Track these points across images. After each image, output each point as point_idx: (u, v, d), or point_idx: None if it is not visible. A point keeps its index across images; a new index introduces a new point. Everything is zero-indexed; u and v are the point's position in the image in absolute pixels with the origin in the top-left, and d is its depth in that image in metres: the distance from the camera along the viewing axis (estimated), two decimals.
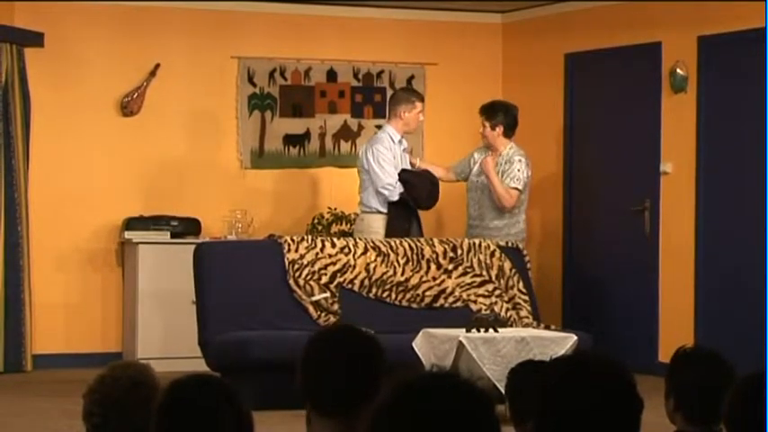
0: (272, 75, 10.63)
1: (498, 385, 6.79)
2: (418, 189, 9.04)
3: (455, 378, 2.34)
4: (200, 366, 8.02)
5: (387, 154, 8.97)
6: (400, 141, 9.12)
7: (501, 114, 9.26)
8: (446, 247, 8.88)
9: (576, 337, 7.72)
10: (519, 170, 9.15)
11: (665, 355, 9.51)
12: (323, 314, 8.47)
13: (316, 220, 10.39)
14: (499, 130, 9.23)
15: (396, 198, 8.95)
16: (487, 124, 9.25)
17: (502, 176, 9.17)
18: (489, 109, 9.35)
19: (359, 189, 9.17)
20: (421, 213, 9.35)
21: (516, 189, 9.14)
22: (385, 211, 8.99)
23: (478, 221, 9.29)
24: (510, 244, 9.15)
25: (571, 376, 2.63)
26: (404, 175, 9.02)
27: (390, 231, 8.94)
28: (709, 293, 9.38)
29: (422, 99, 9.33)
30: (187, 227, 10.12)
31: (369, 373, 3.23)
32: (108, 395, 3.35)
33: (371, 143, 9.11)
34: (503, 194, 9.12)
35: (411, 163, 9.27)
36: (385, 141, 9.03)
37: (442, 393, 2.31)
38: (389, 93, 10.91)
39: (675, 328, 9.55)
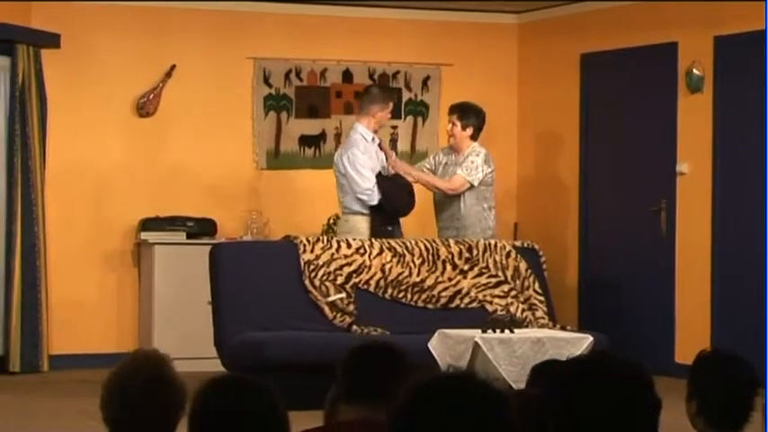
0: (287, 76, 10.64)
1: (514, 386, 6.78)
2: (395, 199, 8.95)
3: (472, 379, 2.34)
4: (216, 367, 8.02)
5: (363, 158, 8.84)
6: (373, 139, 9.04)
7: (473, 116, 9.16)
8: (462, 247, 8.87)
9: (591, 338, 7.71)
10: (472, 162, 9.04)
11: (681, 355, 9.49)
12: (338, 315, 8.46)
13: (331, 221, 10.38)
14: (469, 131, 9.15)
15: (375, 202, 8.84)
16: (459, 123, 9.14)
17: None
18: (463, 109, 9.23)
19: (337, 191, 9.07)
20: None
21: (461, 176, 9.04)
22: (367, 212, 8.93)
23: (448, 223, 9.22)
24: (525, 244, 9.16)
25: (589, 376, 2.63)
26: (381, 184, 8.89)
27: (373, 233, 8.87)
28: (726, 294, 9.36)
29: (394, 99, 9.32)
30: (203, 227, 10.14)
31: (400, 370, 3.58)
32: (126, 386, 3.35)
33: (346, 147, 8.96)
34: (429, 183, 9.09)
35: (386, 153, 9.10)
36: (360, 144, 8.89)
37: (459, 394, 2.31)
38: (405, 93, 10.93)
39: (692, 328, 9.53)
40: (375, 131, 9.02)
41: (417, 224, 9.64)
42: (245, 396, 2.83)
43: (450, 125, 9.20)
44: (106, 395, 3.36)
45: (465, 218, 9.12)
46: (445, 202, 9.21)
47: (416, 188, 9.17)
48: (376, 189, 8.82)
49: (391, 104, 9.11)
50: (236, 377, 2.94)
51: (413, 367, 3.49)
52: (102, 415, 3.37)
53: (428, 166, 9.37)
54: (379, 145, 9.07)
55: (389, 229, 8.98)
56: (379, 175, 8.92)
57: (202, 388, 2.87)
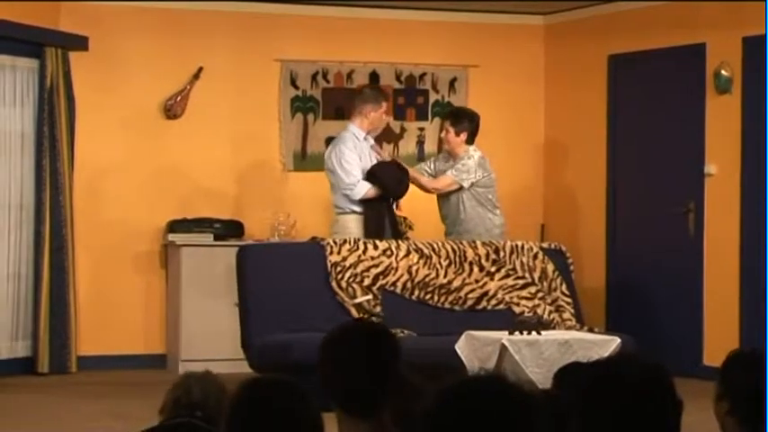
0: (314, 77, 10.65)
1: (541, 388, 6.77)
2: (386, 179, 8.92)
3: (504, 381, 2.34)
4: (243, 368, 8.04)
5: (349, 154, 8.84)
6: (365, 138, 9.02)
7: (466, 122, 9.19)
8: (488, 249, 8.87)
9: (619, 340, 7.69)
10: (463, 164, 9.08)
11: (709, 357, 9.45)
12: (365, 316, 8.46)
13: None
14: (463, 136, 9.16)
15: (358, 197, 8.80)
16: (452, 130, 9.16)
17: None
18: (456, 115, 9.33)
19: (330, 190, 9.06)
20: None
21: (449, 176, 9.07)
22: (359, 209, 8.88)
23: (452, 228, 9.24)
24: (552, 246, 9.15)
25: (609, 378, 2.63)
26: (371, 169, 8.88)
27: (365, 232, 8.86)
28: (754, 295, 9.32)
29: (387, 99, 9.35)
30: (230, 229, 10.16)
31: (385, 369, 3.22)
32: (194, 387, 3.73)
33: (335, 144, 8.99)
34: (418, 180, 9.10)
35: (380, 155, 9.10)
36: (348, 141, 8.90)
37: (491, 396, 2.31)
38: (432, 95, 10.93)
39: (720, 330, 9.49)
40: (371, 132, 9.04)
41: (434, 229, 9.62)
42: (278, 396, 2.84)
43: (444, 132, 9.25)
44: (176, 390, 3.78)
45: (466, 221, 9.15)
46: (447, 206, 9.23)
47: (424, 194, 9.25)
48: (360, 184, 8.80)
49: (385, 105, 9.13)
50: (273, 378, 2.95)
51: (439, 368, 3.17)
52: (164, 398, 3.76)
53: (428, 170, 9.39)
54: (372, 147, 9.07)
55: (382, 226, 8.94)
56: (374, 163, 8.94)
57: (239, 388, 2.89)
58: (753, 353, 3.78)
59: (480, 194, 9.14)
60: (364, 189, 8.80)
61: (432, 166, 9.40)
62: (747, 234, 9.42)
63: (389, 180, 8.89)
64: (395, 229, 9.05)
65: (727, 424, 3.61)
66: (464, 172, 9.08)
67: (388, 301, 8.58)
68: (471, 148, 9.18)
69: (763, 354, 3.17)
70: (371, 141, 9.09)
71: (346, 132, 8.98)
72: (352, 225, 8.86)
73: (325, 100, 10.69)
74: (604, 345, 7.63)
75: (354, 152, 8.85)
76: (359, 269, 8.61)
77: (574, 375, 3.94)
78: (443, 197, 9.24)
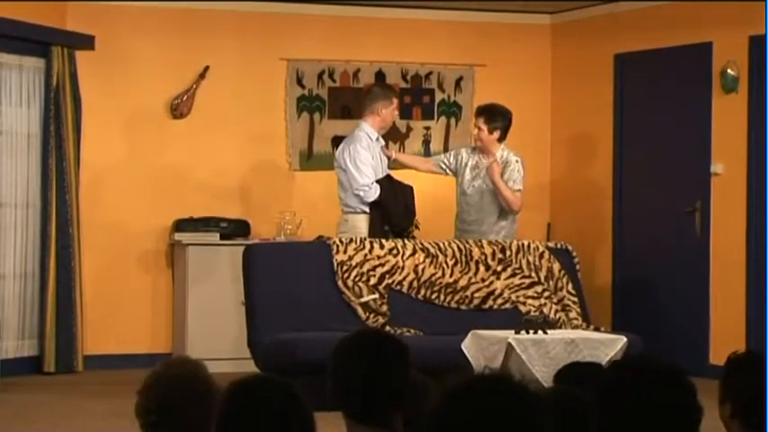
0: (320, 76, 10.65)
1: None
2: (390, 211, 8.88)
3: (509, 381, 2.34)
4: (250, 367, 8.04)
5: (364, 154, 8.81)
6: (377, 139, 8.99)
7: (500, 119, 9.04)
8: (495, 248, 8.87)
9: (625, 339, 7.69)
10: (518, 171, 9.00)
11: (715, 357, 9.44)
12: (372, 315, 8.47)
13: None
14: (496, 134, 9.03)
15: (371, 199, 8.78)
16: (485, 127, 9.02)
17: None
18: (490, 112, 9.12)
19: (338, 189, 9.02)
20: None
21: (519, 191, 9.00)
22: (367, 210, 8.83)
23: (476, 226, 9.10)
24: (559, 245, 9.14)
25: (633, 380, 2.63)
26: (383, 189, 8.83)
27: (370, 231, 8.84)
28: (761, 294, 9.31)
29: (397, 95, 9.30)
30: (236, 228, 10.17)
31: (396, 377, 3.22)
32: (165, 392, 3.36)
33: (349, 142, 8.93)
34: (510, 198, 8.96)
35: (387, 156, 9.09)
36: (363, 140, 8.86)
37: (497, 396, 2.31)
38: (438, 94, 10.92)
39: (727, 329, 9.48)
40: (382, 129, 9.01)
41: (441, 228, 9.61)
42: (270, 396, 2.84)
43: (477, 130, 9.10)
44: (144, 401, 3.38)
45: (495, 224, 9.08)
46: (475, 204, 9.13)
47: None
48: (374, 187, 8.79)
49: (395, 101, 9.07)
50: (261, 377, 2.94)
51: (441, 368, 3.18)
52: (139, 421, 3.38)
53: (446, 162, 9.28)
54: (381, 148, 9.05)
55: (386, 228, 8.93)
56: (386, 178, 8.90)
57: (227, 389, 2.88)
58: (752, 355, 3.78)
59: None
60: (378, 193, 8.80)
61: (453, 160, 9.28)
62: (754, 233, 9.41)
63: (392, 215, 8.85)
64: (400, 228, 9.05)
65: (732, 427, 3.60)
66: (519, 180, 8.97)
67: (394, 301, 8.58)
68: (505, 147, 9.09)
69: (764, 355, 3.16)
70: (382, 142, 9.09)
71: (360, 131, 8.94)
72: (362, 225, 8.85)
73: (331, 99, 10.69)
74: (611, 344, 7.63)
75: (368, 152, 8.84)
76: (365, 268, 8.61)
77: (575, 375, 3.95)
78: (464, 195, 9.16)
